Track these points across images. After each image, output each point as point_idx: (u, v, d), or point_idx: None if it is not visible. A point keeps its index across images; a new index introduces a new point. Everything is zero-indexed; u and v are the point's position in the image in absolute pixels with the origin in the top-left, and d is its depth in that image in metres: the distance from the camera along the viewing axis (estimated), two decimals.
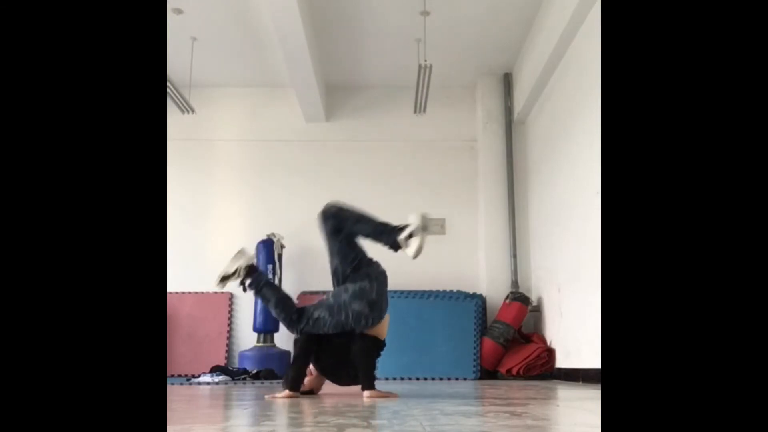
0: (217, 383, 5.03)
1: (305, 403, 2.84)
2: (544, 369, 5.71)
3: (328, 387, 3.73)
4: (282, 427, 1.80)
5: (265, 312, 6.18)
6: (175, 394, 3.65)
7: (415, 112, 6.22)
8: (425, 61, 5.19)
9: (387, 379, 5.83)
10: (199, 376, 5.40)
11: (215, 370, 5.45)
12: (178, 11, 5.68)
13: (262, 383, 5.06)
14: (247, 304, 6.61)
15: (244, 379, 5.31)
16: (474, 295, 6.39)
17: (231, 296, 6.74)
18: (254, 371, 5.50)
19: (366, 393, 3.13)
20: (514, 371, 5.72)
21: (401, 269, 7.13)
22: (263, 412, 2.33)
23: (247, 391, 3.97)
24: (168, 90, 5.71)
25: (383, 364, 5.98)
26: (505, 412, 2.23)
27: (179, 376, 6.13)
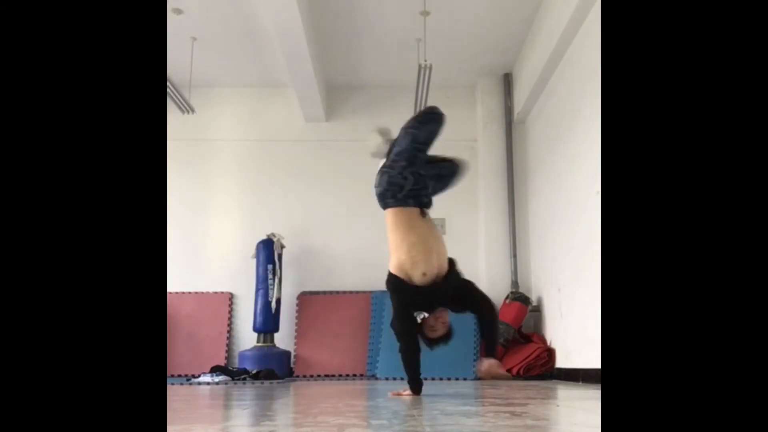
0: (216, 383, 5.03)
1: (305, 403, 2.84)
2: (544, 369, 5.71)
3: (329, 387, 3.73)
4: (282, 427, 1.80)
5: (265, 312, 6.19)
6: (175, 394, 3.64)
7: (415, 112, 6.21)
8: (425, 61, 5.19)
9: (387, 379, 5.83)
10: (199, 376, 5.40)
11: (215, 370, 5.46)
12: (178, 11, 5.68)
13: (262, 383, 5.06)
14: (247, 304, 6.61)
15: (244, 379, 5.31)
16: None
17: (231, 296, 6.74)
18: (254, 371, 5.50)
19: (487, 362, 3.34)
20: (514, 371, 5.71)
21: None
22: (263, 412, 2.33)
23: (247, 391, 3.97)
24: (168, 90, 5.71)
25: (384, 364, 5.98)
26: (505, 412, 2.23)
27: (179, 376, 6.13)
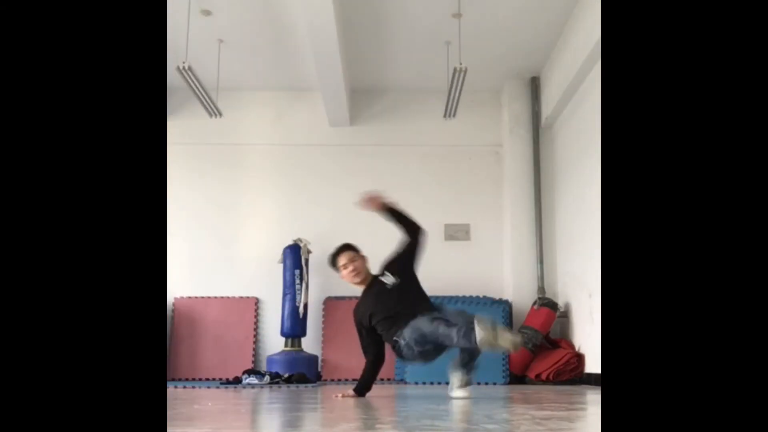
0: (261, 386, 5.08)
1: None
2: (573, 374, 5.69)
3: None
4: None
5: (293, 316, 6.16)
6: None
7: (445, 116, 6.19)
8: (460, 64, 5.16)
9: (417, 383, 5.80)
10: (242, 377, 5.42)
11: (250, 373, 5.44)
12: (207, 12, 5.65)
13: (297, 387, 5.05)
14: (272, 309, 6.57)
15: (278, 382, 5.29)
16: (500, 301, 6.36)
17: (257, 301, 6.70)
18: (286, 375, 5.47)
19: None
20: (543, 376, 5.70)
21: (428, 275, 7.09)
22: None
23: (294, 393, 3.94)
24: (196, 93, 5.68)
25: (413, 368, 5.94)
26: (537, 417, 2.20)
27: (206, 379, 6.15)
